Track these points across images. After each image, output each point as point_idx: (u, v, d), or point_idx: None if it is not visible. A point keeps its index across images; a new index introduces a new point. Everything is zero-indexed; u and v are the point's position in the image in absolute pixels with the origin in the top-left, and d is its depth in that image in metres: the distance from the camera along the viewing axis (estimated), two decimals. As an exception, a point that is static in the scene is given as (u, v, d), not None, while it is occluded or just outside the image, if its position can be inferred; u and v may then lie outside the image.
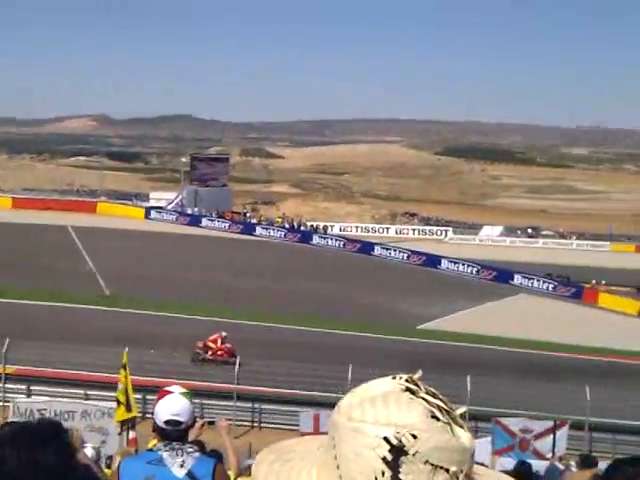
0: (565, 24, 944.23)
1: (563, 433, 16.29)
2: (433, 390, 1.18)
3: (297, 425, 17.48)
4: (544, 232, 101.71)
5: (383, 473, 1.12)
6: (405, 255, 58.90)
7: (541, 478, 11.45)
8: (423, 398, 1.15)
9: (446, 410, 1.16)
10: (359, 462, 1.13)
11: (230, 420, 18.84)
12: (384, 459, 1.12)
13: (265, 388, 21.40)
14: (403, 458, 1.11)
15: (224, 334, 25.73)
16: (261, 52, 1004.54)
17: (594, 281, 49.92)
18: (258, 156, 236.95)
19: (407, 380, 1.18)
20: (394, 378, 1.19)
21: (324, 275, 46.53)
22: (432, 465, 1.12)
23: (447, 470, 1.12)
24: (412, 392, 1.16)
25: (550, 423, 16.32)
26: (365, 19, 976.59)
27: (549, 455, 15.60)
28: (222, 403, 20.84)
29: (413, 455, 1.11)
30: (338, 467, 1.15)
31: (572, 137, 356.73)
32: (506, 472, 9.37)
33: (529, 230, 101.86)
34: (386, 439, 1.12)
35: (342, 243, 63.52)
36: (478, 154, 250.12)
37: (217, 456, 5.78)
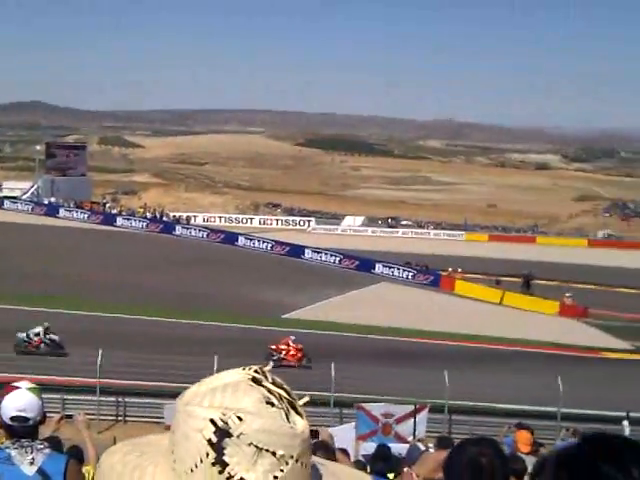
0: (419, 18, 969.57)
1: (423, 416, 16.77)
2: (280, 380, 1.21)
3: (162, 418, 17.29)
4: (403, 222, 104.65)
5: (207, 454, 1.13)
6: (269, 245, 59.15)
7: (402, 460, 11.82)
8: (265, 387, 1.18)
9: (287, 399, 1.18)
10: (188, 445, 1.15)
11: (93, 414, 18.47)
12: (209, 441, 1.13)
13: (129, 381, 21.03)
14: (227, 440, 1.12)
15: (293, 337, 26.41)
16: (121, 39, 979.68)
17: (451, 269, 51.76)
18: (117, 145, 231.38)
19: (256, 371, 1.21)
20: (244, 369, 1.22)
21: (187, 266, 46.09)
22: (257, 448, 1.13)
23: (274, 454, 1.13)
24: (256, 381, 1.18)
25: (411, 407, 16.74)
26: (224, 9, 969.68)
27: (410, 438, 16.03)
28: (85, 398, 20.31)
29: (238, 437, 1.12)
30: (173, 452, 1.18)
31: (428, 130, 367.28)
32: (368, 456, 9.66)
33: (389, 220, 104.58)
34: (212, 421, 1.13)
35: (205, 233, 63.08)
36: (338, 145, 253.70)
37: (76, 452, 5.65)
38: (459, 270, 51.50)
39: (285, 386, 1.20)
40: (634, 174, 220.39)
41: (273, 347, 26.01)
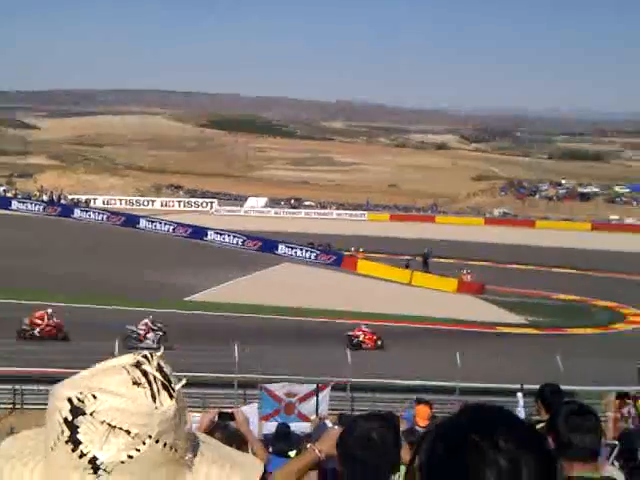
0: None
1: (325, 395, 17.00)
2: (163, 364, 1.22)
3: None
4: (306, 203, 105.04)
5: (63, 432, 1.15)
6: (171, 227, 58.47)
7: (303, 438, 11.98)
8: (141, 369, 1.19)
9: (162, 381, 1.19)
10: (50, 424, 1.18)
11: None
12: (65, 419, 1.15)
13: (26, 368, 20.52)
14: (81, 418, 1.14)
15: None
16: (12, 15, 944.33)
17: (353, 249, 52.37)
18: (12, 126, 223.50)
19: (144, 355, 1.22)
20: (135, 354, 1.23)
21: (87, 249, 45.16)
22: (110, 425, 1.13)
23: (128, 432, 1.14)
24: (138, 364, 1.20)
25: (313, 386, 16.95)
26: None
27: (313, 417, 16.23)
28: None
29: (91, 415, 1.14)
30: (43, 433, 1.22)
31: (331, 111, 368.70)
32: (270, 435, 9.76)
33: (292, 201, 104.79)
34: (69, 400, 1.15)
35: (105, 216, 61.81)
36: (242, 127, 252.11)
37: None
38: (361, 250, 52.14)
39: (165, 369, 1.22)
40: (529, 154, 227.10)
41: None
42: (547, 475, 1.28)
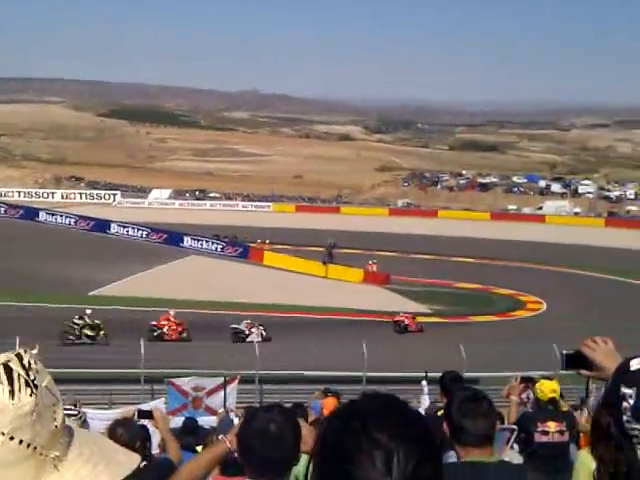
0: None
1: (233, 388, 16.96)
2: (33, 362, 1.22)
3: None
4: (211, 194, 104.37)
5: None
6: (72, 220, 57.04)
7: (211, 432, 11.95)
8: (7, 366, 1.18)
9: (26, 379, 1.18)
10: None
11: None
12: None
13: None
14: None
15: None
16: None
17: (259, 240, 52.31)
18: None
19: (17, 354, 1.21)
20: (12, 352, 1.22)
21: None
22: None
23: None
24: (5, 363, 1.20)
25: (221, 379, 16.89)
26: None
27: (220, 410, 16.19)
28: None
29: None
30: None
31: (233, 101, 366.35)
32: (177, 430, 9.70)
33: (197, 192, 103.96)
34: None
35: (3, 209, 59.84)
36: (143, 116, 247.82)
37: None
38: (267, 241, 52.15)
39: (34, 366, 1.21)
40: (430, 145, 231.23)
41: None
42: (424, 465, 1.33)
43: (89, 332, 25.35)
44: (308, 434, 3.12)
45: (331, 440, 1.39)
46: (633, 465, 1.80)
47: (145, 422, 4.99)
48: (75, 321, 25.71)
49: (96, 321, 25.78)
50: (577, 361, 2.16)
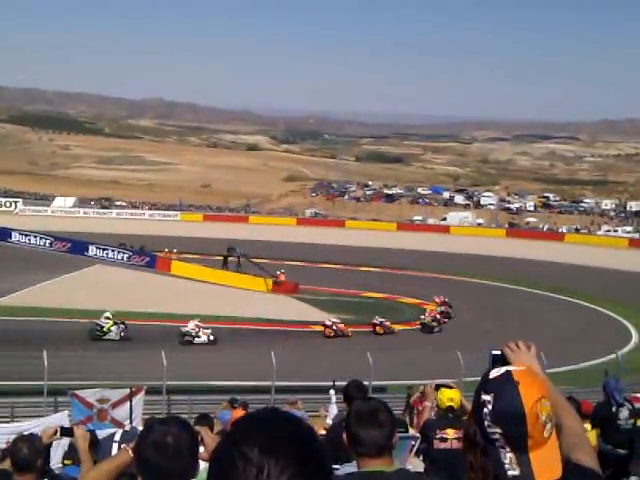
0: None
1: (140, 399, 16.68)
2: None
3: None
4: (117, 203, 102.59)
5: None
6: (-30, 229, 55.12)
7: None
8: None
9: None
10: None
11: None
12: None
13: None
14: None
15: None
16: None
17: (166, 249, 51.71)
18: None
19: None
20: None
21: None
22: None
23: None
24: None
25: (127, 390, 16.59)
26: None
27: (126, 422, 15.91)
28: None
29: None
30: None
31: (138, 109, 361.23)
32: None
33: (102, 201, 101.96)
34: None
35: None
36: (45, 123, 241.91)
37: None
38: (175, 251, 51.61)
39: None
40: (336, 155, 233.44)
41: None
42: (299, 479, 1.38)
43: None
44: (212, 443, 3.13)
45: (214, 457, 1.45)
46: (499, 469, 1.92)
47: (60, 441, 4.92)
48: None
49: None
50: (502, 361, 2.27)
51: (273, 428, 1.43)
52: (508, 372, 1.96)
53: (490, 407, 1.91)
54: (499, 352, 2.34)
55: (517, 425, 1.88)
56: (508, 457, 1.90)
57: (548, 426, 1.91)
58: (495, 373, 1.97)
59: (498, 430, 1.89)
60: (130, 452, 3.30)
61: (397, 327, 34.99)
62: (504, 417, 1.89)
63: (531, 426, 1.88)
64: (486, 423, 1.91)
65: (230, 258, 48.95)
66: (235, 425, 1.48)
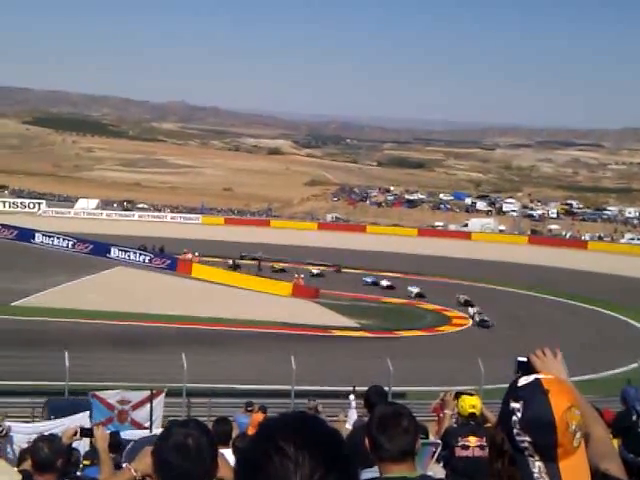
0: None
1: (160, 401, 16.71)
2: None
3: None
4: (139, 205, 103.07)
5: None
6: (-6, 229, 55.53)
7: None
8: None
9: None
10: None
11: None
12: None
13: None
14: None
15: None
16: None
17: (185, 251, 51.89)
18: None
19: None
20: None
21: None
22: None
23: None
24: None
25: (147, 393, 16.63)
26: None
27: (146, 424, 15.95)
28: None
29: None
30: None
31: (161, 112, 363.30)
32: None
33: (125, 203, 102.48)
34: None
35: None
36: (69, 125, 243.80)
37: None
38: (196, 254, 51.76)
39: None
40: (358, 160, 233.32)
41: None
42: (331, 476, 1.43)
43: None
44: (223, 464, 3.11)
45: (245, 453, 1.50)
46: (527, 478, 1.90)
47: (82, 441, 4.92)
48: None
49: None
50: (527, 368, 2.25)
51: (305, 427, 1.50)
52: (537, 380, 1.94)
53: (519, 415, 1.88)
54: (525, 359, 2.31)
55: (547, 433, 1.85)
56: (537, 466, 1.87)
57: (578, 435, 1.88)
58: (524, 381, 1.95)
59: (527, 438, 1.87)
60: (132, 471, 3.29)
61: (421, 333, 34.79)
62: (534, 425, 1.86)
63: (561, 435, 1.85)
64: (515, 431, 1.89)
65: (250, 261, 48.93)
66: (267, 423, 1.53)
